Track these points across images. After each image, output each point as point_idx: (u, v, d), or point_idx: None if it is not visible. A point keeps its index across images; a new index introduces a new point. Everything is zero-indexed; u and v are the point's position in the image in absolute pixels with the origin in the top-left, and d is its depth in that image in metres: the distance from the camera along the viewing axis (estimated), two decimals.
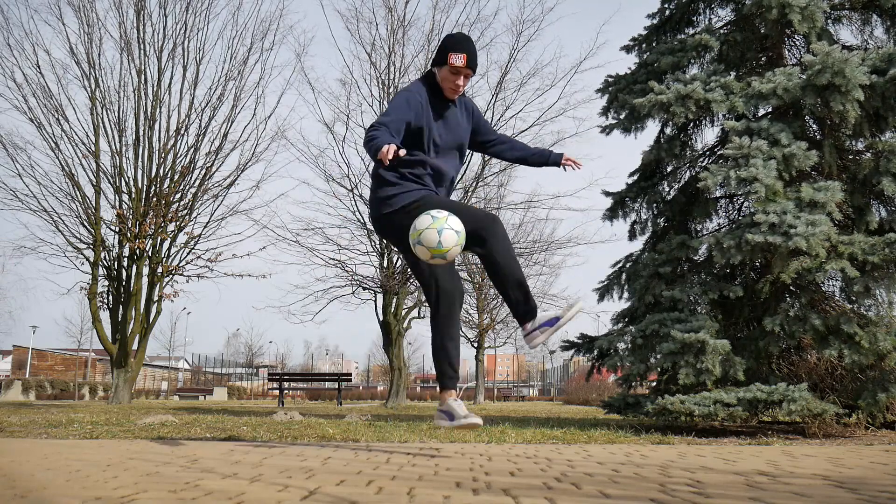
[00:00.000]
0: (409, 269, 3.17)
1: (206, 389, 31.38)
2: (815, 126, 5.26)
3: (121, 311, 12.60)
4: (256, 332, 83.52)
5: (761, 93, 4.69)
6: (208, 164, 13.17)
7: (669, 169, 5.88)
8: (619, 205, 5.98)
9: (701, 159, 5.89)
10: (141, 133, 12.88)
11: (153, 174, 12.78)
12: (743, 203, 5.74)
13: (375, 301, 13.69)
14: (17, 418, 5.62)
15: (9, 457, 2.66)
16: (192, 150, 13.10)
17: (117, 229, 12.62)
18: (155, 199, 12.47)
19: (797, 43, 5.70)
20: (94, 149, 12.74)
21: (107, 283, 12.74)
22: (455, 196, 3.00)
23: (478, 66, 2.97)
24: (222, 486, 1.85)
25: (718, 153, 5.45)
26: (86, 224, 12.68)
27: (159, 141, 12.95)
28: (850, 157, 5.12)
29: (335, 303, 14.04)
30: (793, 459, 2.83)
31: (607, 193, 6.11)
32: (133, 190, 12.75)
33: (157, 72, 13.03)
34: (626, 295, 5.78)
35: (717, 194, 5.53)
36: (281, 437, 3.84)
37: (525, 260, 17.40)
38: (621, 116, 5.72)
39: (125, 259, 12.76)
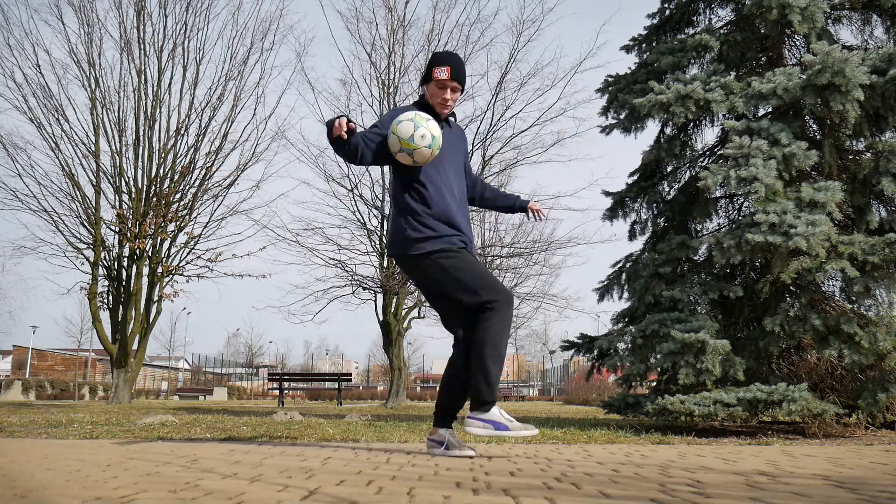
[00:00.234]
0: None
1: (206, 389, 31.39)
2: (815, 126, 5.26)
3: (121, 311, 12.60)
4: (256, 332, 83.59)
5: (761, 93, 4.69)
6: (208, 164, 13.18)
7: (669, 169, 5.88)
8: (619, 205, 5.98)
9: (701, 159, 5.89)
10: (141, 133, 12.90)
11: (153, 174, 12.79)
12: (743, 203, 5.74)
13: (375, 301, 13.69)
14: (17, 418, 5.62)
15: (9, 457, 2.66)
16: (192, 150, 13.13)
17: (117, 229, 12.63)
18: (155, 199, 12.48)
19: (797, 43, 5.70)
20: (94, 149, 12.75)
21: (107, 283, 12.75)
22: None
23: (464, 79, 2.97)
24: (222, 486, 1.85)
25: (718, 153, 5.45)
26: (86, 224, 12.70)
27: (159, 141, 12.96)
28: (850, 157, 5.12)
29: (335, 303, 14.06)
30: (793, 459, 2.83)
31: (607, 193, 6.11)
32: (133, 190, 12.75)
33: (157, 72, 13.05)
34: (626, 295, 5.78)
35: (717, 194, 5.53)
36: (281, 437, 3.84)
37: (525, 260, 17.40)
38: (621, 116, 5.72)
39: (125, 259, 12.77)
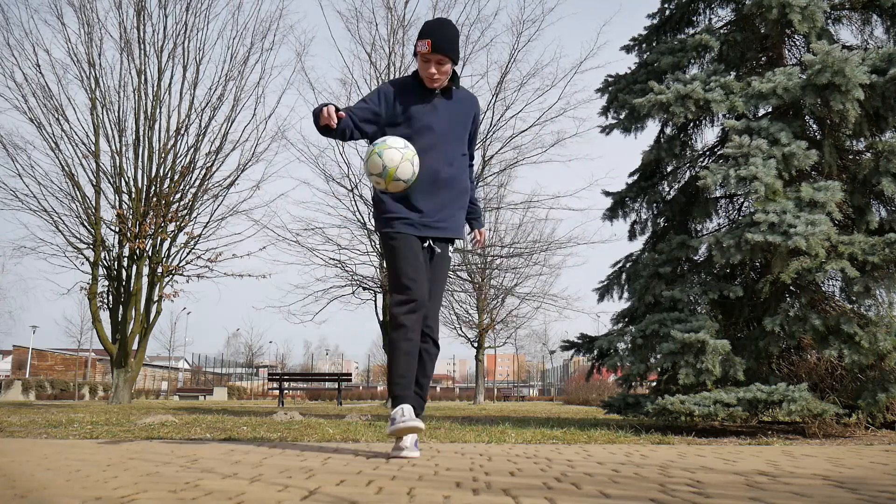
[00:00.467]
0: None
1: (206, 389, 31.40)
2: (815, 126, 5.26)
3: (121, 311, 12.60)
4: (256, 332, 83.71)
5: (761, 92, 4.69)
6: (208, 164, 13.18)
7: (669, 169, 5.88)
8: (619, 205, 5.98)
9: (701, 159, 5.89)
10: (141, 133, 12.89)
11: (153, 174, 12.79)
12: (743, 203, 5.74)
13: (375, 301, 13.69)
14: (17, 418, 5.62)
15: (9, 457, 2.66)
16: (192, 150, 13.12)
17: (117, 229, 12.63)
18: (155, 199, 12.48)
19: (797, 43, 5.70)
20: (94, 149, 12.75)
21: (107, 283, 12.75)
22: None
23: (451, 50, 2.82)
24: (222, 486, 1.85)
25: (718, 153, 5.44)
26: (86, 224, 12.69)
27: (159, 141, 12.96)
28: (850, 156, 5.12)
29: (335, 303, 14.07)
30: (793, 459, 2.83)
31: (607, 193, 6.11)
32: (133, 190, 12.75)
33: (157, 72, 13.04)
34: (626, 295, 5.78)
35: (717, 194, 5.53)
36: (281, 437, 3.84)
37: (525, 260, 17.40)
38: (621, 116, 5.72)
39: (125, 259, 12.76)
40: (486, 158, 13.65)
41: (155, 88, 13.01)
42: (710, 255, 4.78)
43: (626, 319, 5.65)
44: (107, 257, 12.78)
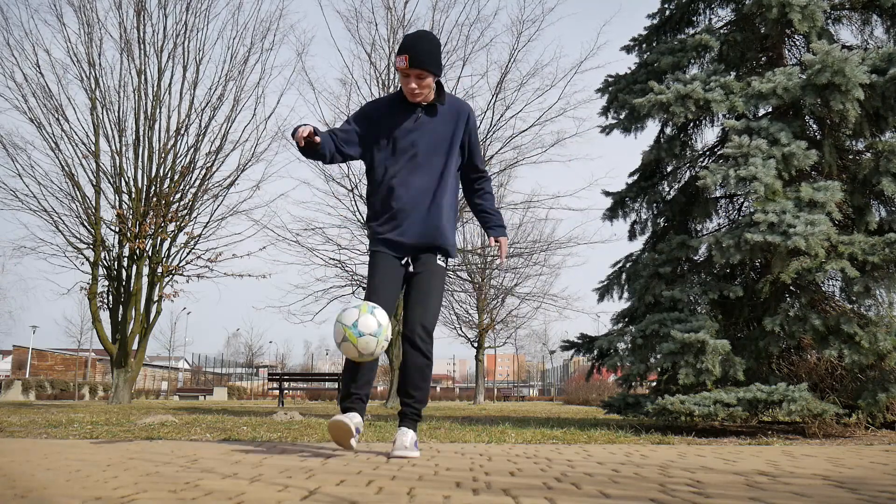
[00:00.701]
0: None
1: (206, 389, 31.39)
2: (814, 126, 5.26)
3: (121, 311, 12.60)
4: (256, 332, 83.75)
5: (761, 92, 4.69)
6: (208, 164, 13.18)
7: (669, 169, 5.88)
8: (619, 205, 5.98)
9: (701, 159, 5.89)
10: (141, 133, 12.89)
11: (153, 174, 12.79)
12: (743, 203, 5.74)
13: None
14: (17, 418, 5.62)
15: (9, 457, 2.66)
16: (192, 150, 13.12)
17: (117, 229, 12.63)
18: (155, 199, 12.47)
19: (797, 43, 5.70)
20: (94, 149, 12.75)
21: (107, 283, 12.74)
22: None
23: (430, 63, 2.74)
24: (222, 486, 1.85)
25: (718, 153, 5.45)
26: (86, 224, 12.69)
27: (159, 141, 12.96)
28: (850, 156, 5.12)
29: (335, 303, 14.07)
30: (793, 459, 2.83)
31: (607, 193, 6.11)
32: (133, 190, 12.75)
33: (157, 72, 13.04)
34: (626, 295, 5.78)
35: (717, 194, 5.54)
36: (281, 437, 3.84)
37: (525, 260, 17.41)
38: (621, 116, 5.72)
39: (125, 259, 12.76)
40: (486, 158, 13.66)
41: (155, 88, 13.01)
42: (710, 255, 4.78)
43: (626, 319, 5.65)
44: (107, 257, 12.78)
